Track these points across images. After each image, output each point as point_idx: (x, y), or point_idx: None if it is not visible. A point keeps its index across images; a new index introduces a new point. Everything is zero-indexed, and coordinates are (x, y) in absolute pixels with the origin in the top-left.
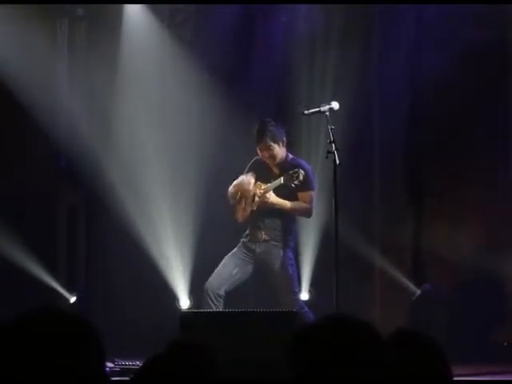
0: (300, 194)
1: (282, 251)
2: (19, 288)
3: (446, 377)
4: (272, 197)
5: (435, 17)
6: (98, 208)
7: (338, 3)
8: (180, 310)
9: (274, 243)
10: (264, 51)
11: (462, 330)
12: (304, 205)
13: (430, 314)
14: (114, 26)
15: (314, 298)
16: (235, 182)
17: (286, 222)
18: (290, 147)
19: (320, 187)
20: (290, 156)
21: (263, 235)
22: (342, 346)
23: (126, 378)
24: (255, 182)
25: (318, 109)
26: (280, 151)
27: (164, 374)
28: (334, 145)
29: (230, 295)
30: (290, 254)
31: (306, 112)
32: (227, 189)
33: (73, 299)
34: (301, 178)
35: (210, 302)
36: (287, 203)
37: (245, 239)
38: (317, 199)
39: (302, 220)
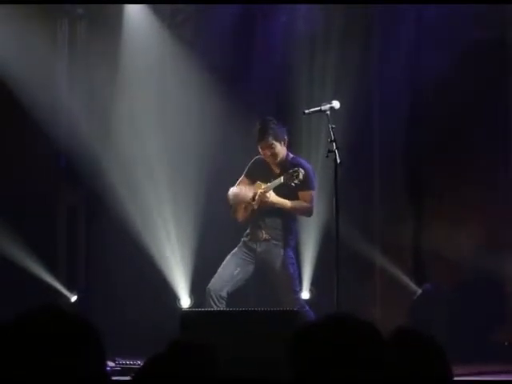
0: (300, 194)
1: (282, 250)
2: (19, 288)
3: (446, 376)
4: (272, 196)
5: (435, 17)
6: (98, 208)
7: (338, 3)
8: (181, 309)
9: (274, 242)
10: (264, 51)
11: (462, 329)
12: (304, 204)
13: (431, 313)
14: (114, 25)
15: (314, 297)
16: (234, 191)
17: (287, 222)
18: (290, 146)
19: (320, 186)
20: (291, 155)
21: (264, 234)
22: (342, 344)
23: (127, 378)
24: (253, 197)
25: (318, 108)
26: (281, 150)
27: (165, 373)
28: (334, 144)
29: (231, 294)
30: (291, 253)
31: (306, 111)
32: (227, 189)
33: (73, 298)
34: (301, 177)
35: (213, 303)
36: (287, 202)
37: (245, 238)
38: (317, 198)
39: (303, 219)
